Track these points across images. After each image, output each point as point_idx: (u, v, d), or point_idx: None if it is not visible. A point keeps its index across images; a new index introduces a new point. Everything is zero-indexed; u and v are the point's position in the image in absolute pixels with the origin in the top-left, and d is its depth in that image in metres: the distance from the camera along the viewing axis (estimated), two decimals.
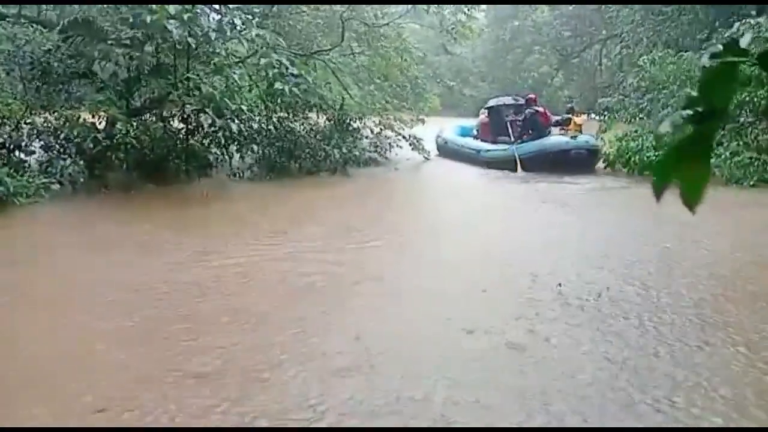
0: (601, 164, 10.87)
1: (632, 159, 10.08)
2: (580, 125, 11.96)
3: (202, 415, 2.71)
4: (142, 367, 3.17)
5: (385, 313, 4.04)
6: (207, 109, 8.53)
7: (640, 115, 11.17)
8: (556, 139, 11.35)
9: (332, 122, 11.53)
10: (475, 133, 13.59)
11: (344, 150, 10.88)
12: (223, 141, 9.57)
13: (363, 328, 3.69)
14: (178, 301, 4.23)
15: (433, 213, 8.13)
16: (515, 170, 10.82)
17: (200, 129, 9.49)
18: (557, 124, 12.09)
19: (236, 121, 9.15)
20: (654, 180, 0.85)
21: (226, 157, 9.79)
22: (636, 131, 10.75)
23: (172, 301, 4.21)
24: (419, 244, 6.06)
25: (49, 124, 8.66)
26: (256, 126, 10.09)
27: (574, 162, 10.60)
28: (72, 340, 3.59)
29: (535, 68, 25.40)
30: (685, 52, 11.05)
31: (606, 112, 12.02)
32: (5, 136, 8.06)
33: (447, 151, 13.34)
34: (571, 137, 11.21)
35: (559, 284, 4.49)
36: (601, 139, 11.20)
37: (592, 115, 18.75)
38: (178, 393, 2.90)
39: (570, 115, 12.12)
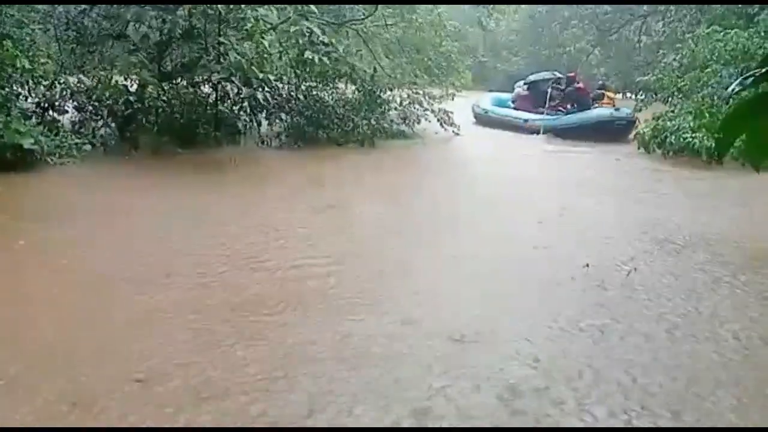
0: (635, 146, 10.66)
1: (668, 140, 9.78)
2: (612, 99, 13.28)
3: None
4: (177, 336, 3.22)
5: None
6: (233, 78, 8.49)
7: (679, 95, 10.81)
8: (600, 110, 12.54)
9: (361, 93, 11.41)
10: (511, 104, 14.68)
11: (372, 122, 10.79)
12: (251, 109, 9.60)
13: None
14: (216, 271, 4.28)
15: (477, 187, 7.71)
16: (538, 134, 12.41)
17: (230, 95, 9.53)
18: (593, 99, 13.23)
19: (264, 89, 9.13)
20: (718, 136, 0.81)
21: (255, 124, 9.80)
22: (673, 111, 10.43)
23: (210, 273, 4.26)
24: (481, 221, 5.89)
25: (83, 85, 8.75)
26: (285, 94, 10.06)
27: (615, 131, 11.90)
28: (109, 304, 3.66)
29: (571, 44, 24.61)
30: (731, 29, 10.58)
31: (643, 91, 11.74)
32: (40, 95, 8.17)
33: (486, 120, 14.46)
34: (615, 109, 12.48)
35: (587, 264, 4.45)
36: (636, 118, 11.03)
37: (628, 94, 18.43)
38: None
39: (603, 91, 13.47)
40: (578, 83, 13.39)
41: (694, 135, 9.34)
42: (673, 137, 9.67)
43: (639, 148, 10.44)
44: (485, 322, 3.41)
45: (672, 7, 16.70)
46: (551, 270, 4.38)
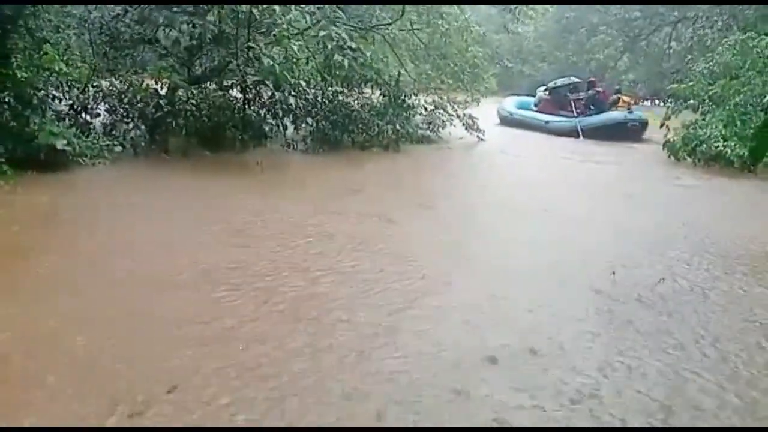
0: (665, 153, 10.51)
1: (699, 148, 9.62)
2: (628, 103, 14.37)
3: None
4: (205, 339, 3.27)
5: None
6: (267, 81, 8.57)
7: (710, 103, 10.62)
8: (615, 113, 13.71)
9: (387, 98, 11.43)
10: (533, 107, 15.92)
11: (397, 126, 10.82)
12: (279, 112, 9.72)
13: None
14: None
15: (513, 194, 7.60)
16: (578, 137, 13.23)
17: (258, 99, 9.64)
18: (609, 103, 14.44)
19: (293, 93, 9.22)
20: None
21: (281, 128, 9.90)
22: (704, 119, 10.25)
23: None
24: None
25: (114, 88, 8.93)
26: (311, 98, 10.14)
27: (630, 132, 13.07)
28: (141, 302, 3.73)
29: (599, 50, 24.34)
30: (766, 35, 10.36)
31: (672, 98, 11.57)
32: (73, 98, 8.36)
33: (511, 121, 15.61)
34: (628, 111, 13.59)
35: (613, 272, 4.43)
36: (666, 126, 10.85)
37: (656, 101, 18.29)
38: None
39: (618, 95, 14.79)
40: (598, 88, 14.77)
41: (725, 143, 9.17)
42: (704, 146, 9.51)
43: (669, 156, 10.29)
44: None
45: (702, 13, 16.44)
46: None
